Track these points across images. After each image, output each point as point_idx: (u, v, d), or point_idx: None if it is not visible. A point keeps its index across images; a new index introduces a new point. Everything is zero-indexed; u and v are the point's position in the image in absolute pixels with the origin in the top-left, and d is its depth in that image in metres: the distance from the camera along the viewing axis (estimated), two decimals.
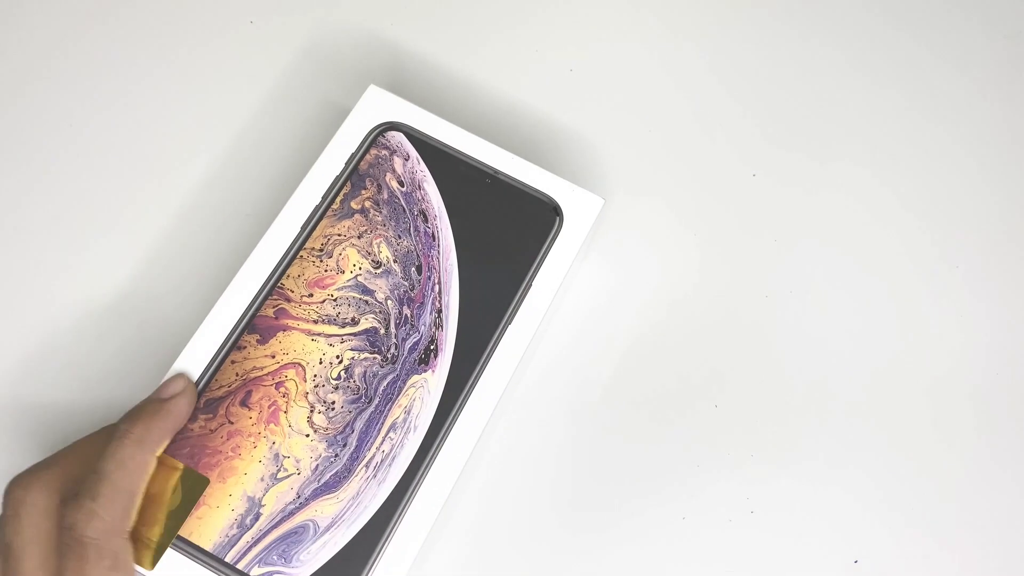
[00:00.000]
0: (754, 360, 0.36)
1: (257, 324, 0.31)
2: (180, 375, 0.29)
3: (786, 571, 0.33)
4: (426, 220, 0.33)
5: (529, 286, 0.32)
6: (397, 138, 0.34)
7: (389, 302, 0.32)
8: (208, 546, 0.28)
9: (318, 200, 0.33)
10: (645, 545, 0.33)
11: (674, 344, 0.36)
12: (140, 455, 0.26)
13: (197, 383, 0.30)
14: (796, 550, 0.33)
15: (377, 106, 0.35)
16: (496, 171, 0.34)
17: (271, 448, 0.29)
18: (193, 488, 0.29)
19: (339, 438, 0.30)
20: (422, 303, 0.32)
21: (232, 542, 0.28)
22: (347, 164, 0.33)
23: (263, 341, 0.31)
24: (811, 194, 0.39)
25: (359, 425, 0.30)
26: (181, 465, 0.29)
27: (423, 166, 0.34)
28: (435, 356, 0.31)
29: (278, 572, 0.28)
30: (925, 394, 0.36)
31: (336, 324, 0.31)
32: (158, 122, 0.38)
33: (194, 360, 0.30)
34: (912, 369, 0.36)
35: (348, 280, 0.32)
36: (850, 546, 0.34)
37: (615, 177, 0.39)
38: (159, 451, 0.27)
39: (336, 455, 0.30)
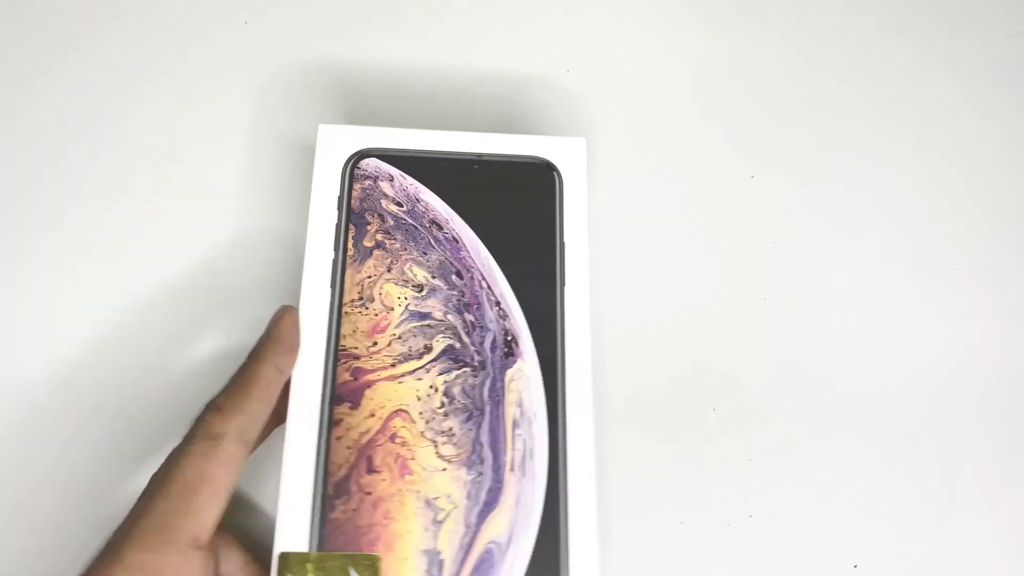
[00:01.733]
0: (753, 363, 0.36)
1: (340, 393, 0.30)
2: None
3: None
4: (440, 228, 0.33)
5: (564, 244, 0.33)
6: (372, 164, 0.33)
7: (450, 316, 0.31)
8: None
9: (332, 254, 0.32)
10: (642, 548, 0.33)
11: (672, 346, 0.36)
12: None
13: (315, 474, 0.29)
14: (795, 554, 0.33)
15: (335, 142, 0.34)
16: (479, 155, 0.34)
17: (418, 497, 0.29)
18: (368, 571, 0.28)
19: (474, 457, 0.30)
20: (479, 303, 0.32)
21: None
22: (339, 208, 0.33)
23: (355, 406, 0.30)
24: (810, 196, 0.39)
25: (485, 438, 0.30)
26: (345, 555, 0.28)
27: (410, 179, 0.33)
28: (516, 345, 0.31)
29: None
30: (925, 397, 0.36)
31: (413, 358, 0.31)
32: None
33: (300, 455, 0.29)
34: (912, 371, 0.36)
35: (401, 314, 0.31)
36: (849, 550, 0.33)
37: (612, 177, 0.39)
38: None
39: (480, 473, 0.29)
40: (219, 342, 0.35)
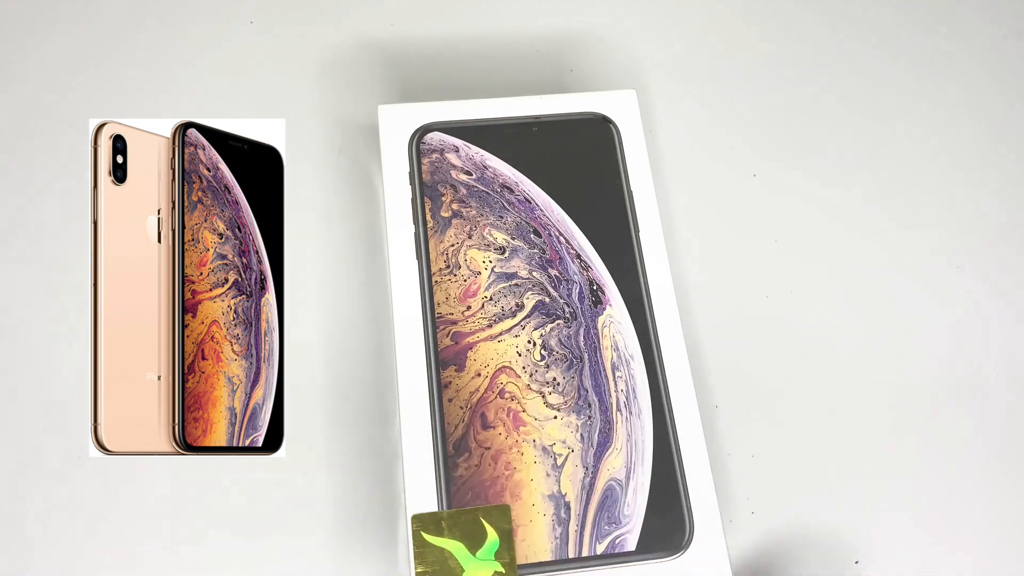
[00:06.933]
0: (755, 361, 0.36)
1: (444, 358, 0.31)
2: None
3: (786, 571, 0.33)
4: (511, 191, 0.34)
5: (631, 193, 0.34)
6: (436, 137, 0.34)
7: (535, 273, 0.32)
8: (548, 556, 0.29)
9: (412, 228, 0.33)
10: None
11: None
12: None
13: (433, 436, 0.30)
14: (796, 550, 0.33)
15: (396, 121, 0.35)
16: (536, 117, 0.35)
17: (535, 446, 0.30)
18: (500, 521, 0.29)
19: (581, 403, 0.31)
20: (560, 258, 0.33)
21: (564, 540, 0.29)
22: (412, 184, 0.33)
23: (460, 368, 0.31)
24: (812, 194, 0.39)
25: (588, 383, 0.31)
26: (476, 508, 0.29)
27: (474, 148, 0.34)
28: (603, 293, 0.32)
29: (618, 537, 0.29)
30: (926, 393, 0.36)
31: (507, 317, 0.32)
32: None
33: (417, 421, 0.30)
34: (913, 368, 0.36)
35: (489, 277, 0.32)
36: (850, 546, 0.33)
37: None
38: None
39: (589, 417, 0.31)
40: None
